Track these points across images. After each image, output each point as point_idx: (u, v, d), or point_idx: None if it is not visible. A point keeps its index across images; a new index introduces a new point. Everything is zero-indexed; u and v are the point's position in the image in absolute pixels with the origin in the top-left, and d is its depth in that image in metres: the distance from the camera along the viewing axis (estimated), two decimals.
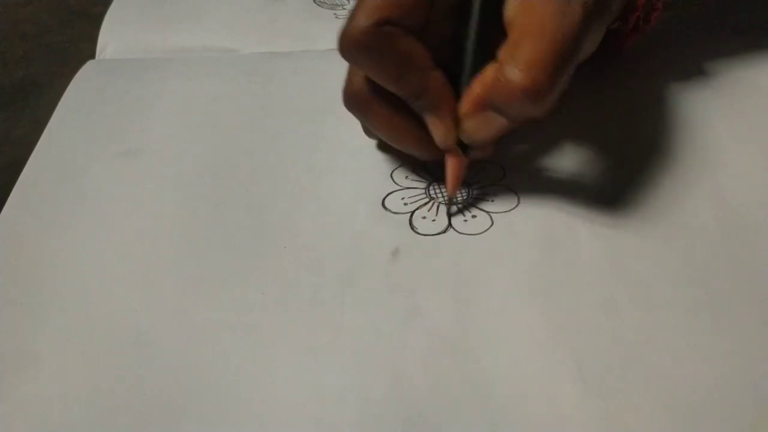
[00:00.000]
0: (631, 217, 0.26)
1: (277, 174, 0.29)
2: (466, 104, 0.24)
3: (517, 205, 0.27)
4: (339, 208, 0.27)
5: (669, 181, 0.27)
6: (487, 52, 0.24)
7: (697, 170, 0.28)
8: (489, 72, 0.23)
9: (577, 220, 0.26)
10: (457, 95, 0.25)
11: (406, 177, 0.29)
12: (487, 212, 0.27)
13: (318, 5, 0.43)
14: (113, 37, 0.39)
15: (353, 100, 0.26)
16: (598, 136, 0.30)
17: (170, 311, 0.24)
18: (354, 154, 0.30)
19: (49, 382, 0.22)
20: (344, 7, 0.43)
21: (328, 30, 0.40)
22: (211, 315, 0.23)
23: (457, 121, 0.25)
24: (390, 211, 0.27)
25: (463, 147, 0.26)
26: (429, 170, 0.29)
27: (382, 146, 0.30)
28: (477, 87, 0.24)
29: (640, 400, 0.21)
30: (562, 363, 0.22)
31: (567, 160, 0.29)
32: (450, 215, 0.27)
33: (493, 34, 0.24)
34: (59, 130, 0.32)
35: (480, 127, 0.25)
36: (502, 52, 0.23)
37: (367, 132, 0.29)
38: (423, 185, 0.28)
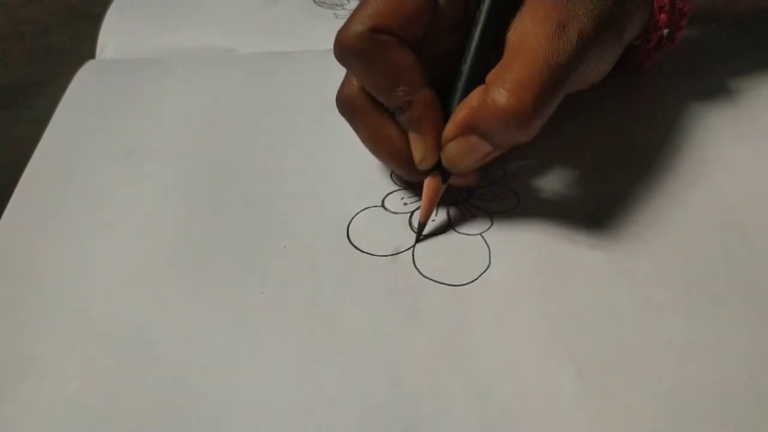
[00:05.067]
0: (631, 217, 0.26)
1: (277, 174, 0.29)
2: (450, 127, 0.24)
3: (517, 205, 0.27)
4: (339, 208, 0.27)
5: (669, 181, 0.27)
6: (481, 76, 0.23)
7: (698, 171, 0.28)
8: (476, 94, 0.23)
9: (577, 220, 0.26)
10: (446, 120, 0.24)
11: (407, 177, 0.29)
12: (487, 212, 0.27)
13: (318, 5, 0.43)
14: (113, 37, 0.39)
15: (343, 105, 0.26)
16: (599, 137, 0.30)
17: (170, 311, 0.24)
18: (354, 154, 0.30)
19: (50, 383, 0.22)
20: (344, 7, 0.43)
21: (328, 30, 0.39)
22: (211, 315, 0.23)
23: (439, 144, 0.24)
24: (390, 211, 0.27)
25: (443, 172, 0.25)
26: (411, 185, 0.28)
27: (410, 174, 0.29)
28: (462, 110, 0.23)
29: (639, 400, 0.21)
30: (562, 363, 0.22)
31: (567, 160, 0.29)
32: (418, 240, 0.26)
33: (492, 58, 0.24)
34: (60, 130, 0.32)
35: (462, 154, 0.24)
36: (491, 74, 0.23)
37: None
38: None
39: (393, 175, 0.29)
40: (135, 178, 0.29)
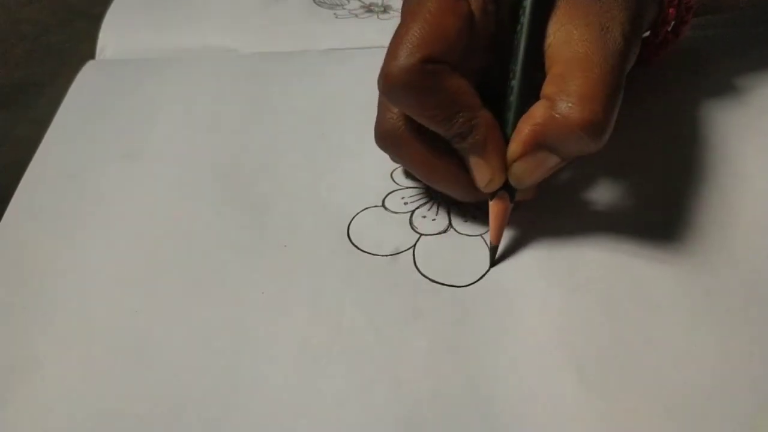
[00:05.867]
0: (631, 217, 0.26)
1: (277, 174, 0.29)
2: (516, 146, 0.22)
3: (517, 206, 0.27)
4: (339, 208, 0.27)
5: (669, 181, 0.27)
6: (530, 90, 0.22)
7: (697, 171, 0.28)
8: (539, 110, 0.22)
9: (578, 220, 0.26)
10: (505, 138, 0.23)
11: (406, 177, 0.29)
12: (487, 212, 0.27)
13: (318, 5, 0.43)
14: (113, 37, 0.39)
15: (388, 139, 0.25)
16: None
17: (171, 312, 0.24)
18: (354, 154, 0.30)
19: (51, 385, 0.22)
20: (344, 6, 0.43)
21: (328, 30, 0.40)
22: (212, 315, 0.23)
23: (505, 165, 0.23)
24: (390, 210, 0.27)
25: (509, 191, 0.24)
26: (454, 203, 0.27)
27: (409, 174, 0.29)
28: (526, 126, 0.22)
29: (640, 400, 0.21)
30: (563, 364, 0.22)
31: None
32: (493, 265, 0.25)
33: (533, 70, 0.23)
34: (61, 132, 0.32)
35: (531, 170, 0.23)
36: (549, 88, 0.22)
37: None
38: (423, 185, 0.28)
39: (393, 175, 0.29)
40: (135, 177, 0.29)
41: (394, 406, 0.21)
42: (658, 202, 0.27)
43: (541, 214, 0.26)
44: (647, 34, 0.29)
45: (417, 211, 0.27)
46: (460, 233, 0.26)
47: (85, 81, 0.35)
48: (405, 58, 0.22)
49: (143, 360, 0.22)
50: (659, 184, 0.27)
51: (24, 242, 0.26)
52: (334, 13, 0.42)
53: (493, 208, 0.24)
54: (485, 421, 0.20)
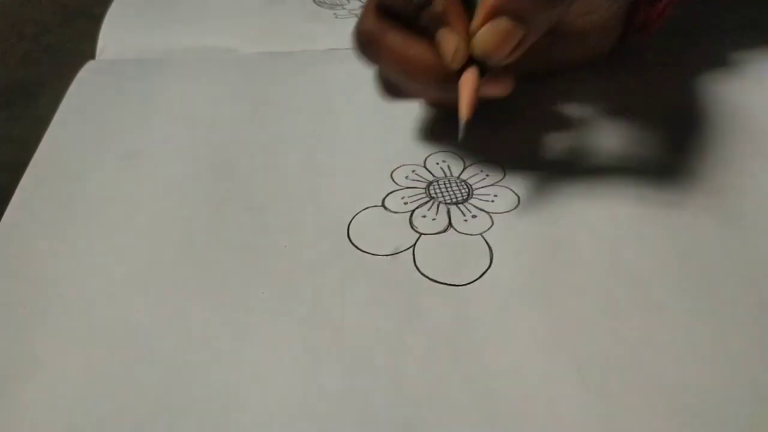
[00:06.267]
0: (631, 217, 0.26)
1: (277, 174, 0.29)
2: (479, 14, 0.24)
3: (517, 205, 0.27)
4: (339, 208, 0.27)
5: (668, 181, 0.27)
6: None
7: (696, 170, 0.28)
8: None
9: (577, 220, 0.26)
10: (470, 11, 0.24)
11: (406, 177, 0.29)
12: (487, 212, 0.27)
13: (318, 5, 0.43)
14: (113, 37, 0.39)
15: (365, 37, 0.26)
16: (597, 137, 0.30)
17: (171, 311, 0.24)
18: (354, 154, 0.30)
19: (50, 383, 0.22)
20: (344, 6, 0.43)
21: (328, 30, 0.40)
22: (211, 315, 0.23)
23: (468, 36, 0.24)
24: (390, 210, 0.27)
25: (479, 66, 0.24)
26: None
27: (390, 91, 0.29)
28: None
29: (640, 400, 0.21)
30: (562, 364, 0.22)
31: (567, 160, 0.29)
32: (463, 133, 0.24)
33: None
34: (61, 131, 0.32)
35: (495, 39, 0.23)
36: None
37: (384, 90, 0.29)
38: (423, 185, 0.28)
39: (393, 175, 0.29)
40: (135, 177, 0.29)
41: (394, 406, 0.21)
42: (654, 205, 0.27)
43: (541, 213, 0.26)
44: None
45: (417, 211, 0.27)
46: (460, 233, 0.26)
47: (85, 81, 0.35)
48: None
49: (143, 360, 0.22)
50: (660, 183, 0.27)
51: (24, 242, 0.26)
52: (334, 13, 0.42)
53: (463, 79, 0.24)
54: (485, 421, 0.20)
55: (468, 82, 0.24)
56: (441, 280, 0.24)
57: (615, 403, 0.20)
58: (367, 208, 0.27)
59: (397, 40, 0.25)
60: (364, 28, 0.26)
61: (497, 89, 0.26)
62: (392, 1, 0.25)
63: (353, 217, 0.27)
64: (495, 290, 0.24)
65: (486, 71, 0.25)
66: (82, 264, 0.25)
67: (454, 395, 0.21)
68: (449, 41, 0.24)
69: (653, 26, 0.31)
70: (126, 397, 0.21)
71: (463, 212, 0.27)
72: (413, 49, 0.25)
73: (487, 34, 0.23)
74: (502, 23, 0.23)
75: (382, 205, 0.27)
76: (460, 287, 0.24)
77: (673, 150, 0.29)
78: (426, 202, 0.27)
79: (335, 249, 0.26)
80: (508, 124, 0.31)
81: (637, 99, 0.32)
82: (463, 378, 0.21)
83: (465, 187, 0.28)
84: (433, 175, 0.29)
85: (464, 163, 0.29)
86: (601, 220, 0.26)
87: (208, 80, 0.35)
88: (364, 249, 0.26)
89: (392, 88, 0.28)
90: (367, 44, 0.26)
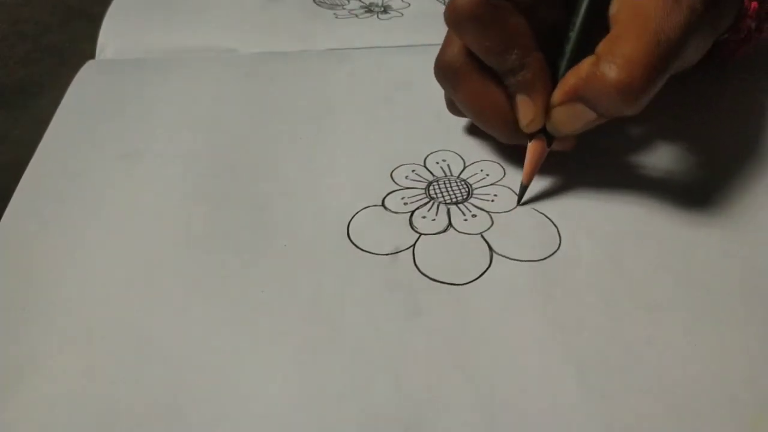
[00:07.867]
0: (631, 217, 0.26)
1: (277, 174, 0.29)
2: (558, 93, 0.24)
3: (517, 205, 0.27)
4: (339, 208, 0.27)
5: (668, 181, 0.27)
6: (588, 46, 0.24)
7: (696, 170, 0.28)
8: (585, 65, 0.23)
9: (577, 220, 0.26)
10: (553, 84, 0.25)
11: (406, 177, 0.29)
12: (488, 212, 0.27)
13: (318, 5, 0.43)
14: (113, 37, 0.39)
15: (446, 70, 0.26)
16: (597, 137, 0.30)
17: (171, 311, 0.24)
18: (354, 154, 0.30)
19: (50, 383, 0.22)
20: (344, 6, 0.43)
21: (328, 30, 0.40)
22: (212, 314, 0.23)
23: (547, 108, 0.25)
24: (390, 210, 0.27)
25: (546, 136, 0.26)
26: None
27: (455, 111, 0.29)
28: (571, 78, 0.24)
29: (640, 400, 0.21)
30: (562, 363, 0.22)
31: (567, 160, 0.29)
32: (520, 203, 0.27)
33: (597, 28, 0.24)
34: (61, 131, 0.32)
35: (568, 119, 0.24)
36: (601, 46, 0.23)
37: (451, 108, 0.29)
38: (423, 185, 0.28)
39: (393, 175, 0.29)
40: (135, 178, 0.29)
41: (394, 405, 0.21)
42: (653, 205, 0.27)
43: (542, 213, 0.26)
44: (726, 35, 0.28)
45: (417, 212, 0.27)
46: (460, 232, 0.26)
47: (85, 81, 0.35)
48: None
49: (143, 359, 0.22)
50: (660, 183, 0.27)
51: (24, 242, 0.26)
52: (334, 13, 0.42)
53: (531, 147, 0.26)
54: (485, 420, 0.20)
55: (535, 153, 0.26)
56: (441, 280, 0.24)
57: (615, 403, 0.20)
58: (367, 207, 0.27)
59: (478, 84, 0.26)
60: (447, 60, 0.26)
61: (561, 146, 0.27)
62: (485, 57, 0.25)
63: (353, 217, 0.27)
64: (495, 290, 0.24)
65: (554, 138, 0.26)
66: (82, 263, 0.25)
67: (454, 395, 0.21)
68: (527, 111, 0.25)
69: (729, 63, 0.31)
70: (125, 396, 0.21)
71: (463, 212, 0.27)
72: (491, 97, 0.26)
73: (563, 116, 0.25)
74: (578, 108, 0.24)
75: (382, 204, 0.27)
76: (460, 287, 0.24)
77: (673, 150, 0.29)
78: (426, 203, 0.27)
79: (335, 248, 0.26)
80: None
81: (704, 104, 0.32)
82: (464, 378, 0.21)
83: (465, 186, 0.28)
84: (433, 175, 0.29)
85: (464, 163, 0.29)
86: (601, 220, 0.26)
87: (207, 80, 0.35)
88: (363, 248, 0.26)
89: (458, 110, 0.29)
90: (447, 77, 0.27)
